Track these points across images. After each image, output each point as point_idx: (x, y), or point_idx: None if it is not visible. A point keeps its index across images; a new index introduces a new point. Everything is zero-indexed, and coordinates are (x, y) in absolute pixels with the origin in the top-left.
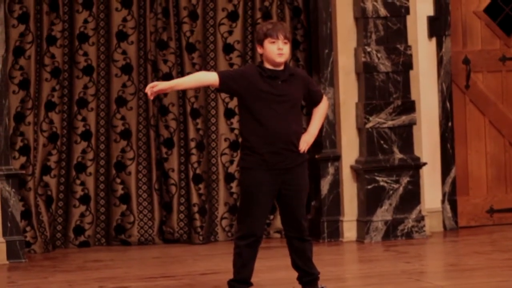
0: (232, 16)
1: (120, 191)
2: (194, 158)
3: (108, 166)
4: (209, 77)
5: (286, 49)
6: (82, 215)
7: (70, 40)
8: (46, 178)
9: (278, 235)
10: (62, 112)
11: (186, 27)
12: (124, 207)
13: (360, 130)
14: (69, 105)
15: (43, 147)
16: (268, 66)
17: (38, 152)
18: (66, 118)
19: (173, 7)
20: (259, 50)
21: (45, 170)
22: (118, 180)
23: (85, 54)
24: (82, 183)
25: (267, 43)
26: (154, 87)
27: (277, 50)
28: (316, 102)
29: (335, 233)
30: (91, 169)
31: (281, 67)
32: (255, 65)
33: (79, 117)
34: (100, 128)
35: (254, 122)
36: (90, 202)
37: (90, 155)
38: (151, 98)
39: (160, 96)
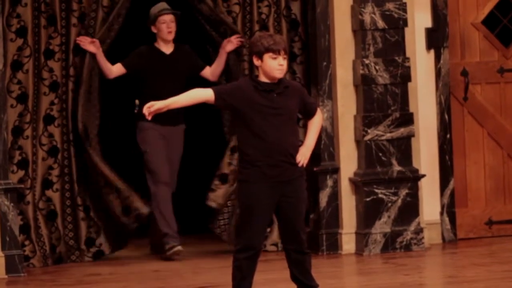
0: (230, 31)
1: None
2: None
3: None
4: (204, 94)
5: (285, 64)
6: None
7: (66, 54)
8: (48, 193)
9: (274, 248)
10: (62, 126)
11: None
12: None
13: (358, 142)
14: (68, 119)
15: (42, 161)
16: (263, 79)
17: (38, 166)
18: (67, 132)
19: None
20: (256, 62)
21: (46, 184)
22: None
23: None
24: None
25: (267, 57)
26: (151, 107)
27: (278, 66)
28: (311, 114)
29: (334, 246)
30: None
31: (276, 80)
32: (249, 79)
33: None
34: None
35: (251, 135)
36: (90, 212)
37: None
38: (149, 118)
39: None
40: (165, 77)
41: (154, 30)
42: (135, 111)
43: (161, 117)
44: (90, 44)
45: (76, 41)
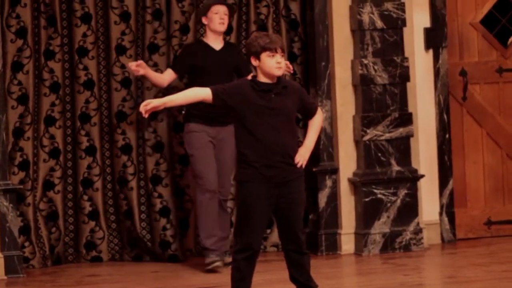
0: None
1: (124, 207)
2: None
3: (114, 181)
4: (202, 92)
5: (283, 62)
6: (93, 231)
7: (70, 55)
8: (50, 194)
9: (274, 249)
10: (65, 127)
11: (175, 41)
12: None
13: (357, 142)
14: (72, 120)
15: (43, 162)
16: (262, 79)
17: (39, 168)
18: (71, 134)
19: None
20: (254, 62)
21: (48, 185)
22: (122, 196)
23: (85, 68)
24: (90, 199)
25: (264, 56)
26: (148, 105)
27: (276, 64)
28: (311, 114)
29: (333, 246)
30: (97, 184)
31: (275, 80)
32: (248, 79)
33: (83, 132)
34: (105, 143)
35: (249, 136)
36: (99, 217)
37: (96, 171)
38: (146, 116)
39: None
40: (215, 75)
41: (204, 21)
42: (182, 112)
43: (209, 118)
44: (137, 68)
45: (131, 69)
